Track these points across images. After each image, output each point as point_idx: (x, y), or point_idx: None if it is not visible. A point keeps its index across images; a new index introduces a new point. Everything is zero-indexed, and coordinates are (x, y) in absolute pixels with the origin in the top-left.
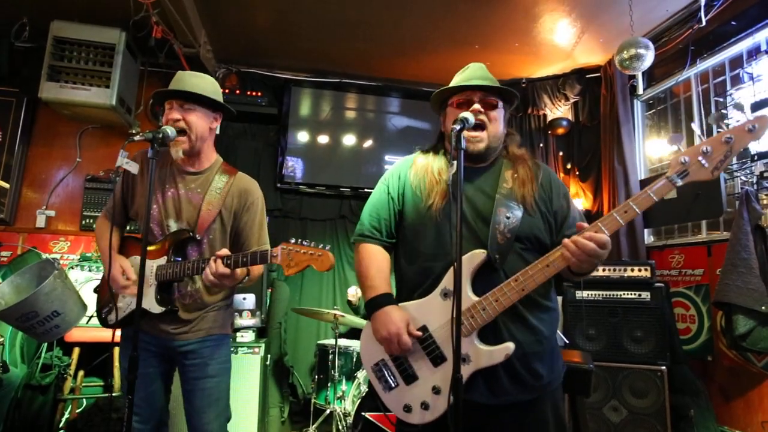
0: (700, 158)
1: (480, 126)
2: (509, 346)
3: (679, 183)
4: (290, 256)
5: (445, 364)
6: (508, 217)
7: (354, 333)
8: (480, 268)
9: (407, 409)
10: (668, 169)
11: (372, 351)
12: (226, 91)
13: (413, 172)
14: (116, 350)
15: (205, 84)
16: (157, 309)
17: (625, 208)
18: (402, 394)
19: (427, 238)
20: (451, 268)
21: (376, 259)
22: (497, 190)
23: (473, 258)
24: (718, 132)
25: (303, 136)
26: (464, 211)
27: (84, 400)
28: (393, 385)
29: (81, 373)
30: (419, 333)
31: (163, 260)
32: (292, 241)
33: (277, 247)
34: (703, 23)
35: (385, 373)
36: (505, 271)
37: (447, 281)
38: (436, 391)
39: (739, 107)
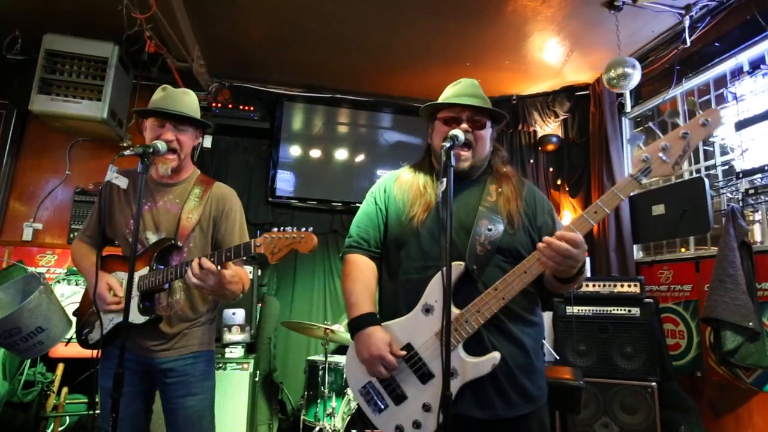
0: (660, 154)
1: (466, 145)
2: (496, 356)
3: (644, 180)
4: (273, 243)
5: (433, 381)
6: (489, 229)
7: (344, 349)
8: (460, 281)
9: (399, 429)
10: (632, 168)
11: (358, 373)
12: (219, 105)
13: (398, 185)
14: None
15: (193, 102)
16: (140, 319)
17: (594, 209)
18: (393, 415)
19: (409, 251)
20: (430, 283)
21: (363, 274)
22: (480, 202)
23: (452, 270)
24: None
25: (295, 150)
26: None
27: (67, 417)
28: (383, 406)
29: (65, 390)
30: (403, 353)
31: (145, 270)
32: (274, 229)
33: (259, 237)
34: (688, 44)
35: (374, 395)
36: (484, 282)
37: (427, 296)
38: (426, 408)
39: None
